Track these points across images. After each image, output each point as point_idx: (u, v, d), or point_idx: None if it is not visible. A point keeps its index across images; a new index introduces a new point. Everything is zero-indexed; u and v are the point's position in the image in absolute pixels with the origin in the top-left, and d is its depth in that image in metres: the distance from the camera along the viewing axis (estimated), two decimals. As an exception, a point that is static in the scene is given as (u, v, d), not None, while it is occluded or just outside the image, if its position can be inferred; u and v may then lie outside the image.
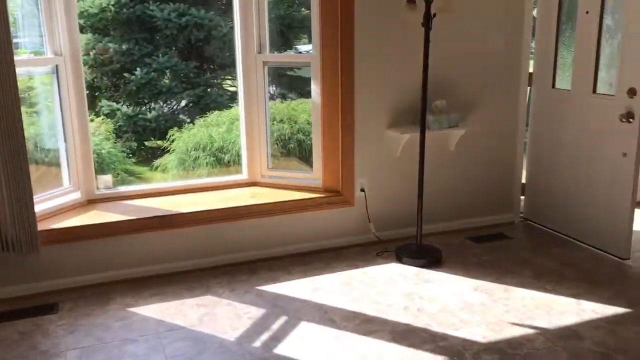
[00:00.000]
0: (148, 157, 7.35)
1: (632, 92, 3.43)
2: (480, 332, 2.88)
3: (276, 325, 2.99)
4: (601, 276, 3.48)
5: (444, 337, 2.84)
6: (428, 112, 3.66)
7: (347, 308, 3.14)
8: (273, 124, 5.39)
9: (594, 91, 3.74)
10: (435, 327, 2.93)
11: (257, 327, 2.97)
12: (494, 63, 4.04)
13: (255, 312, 3.11)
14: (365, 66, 3.74)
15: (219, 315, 3.09)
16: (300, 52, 7.18)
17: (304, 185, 3.97)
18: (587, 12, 3.70)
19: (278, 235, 3.76)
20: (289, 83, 7.30)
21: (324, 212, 3.83)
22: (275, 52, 4.21)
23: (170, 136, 6.92)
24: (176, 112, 7.83)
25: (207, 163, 5.94)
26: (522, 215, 4.41)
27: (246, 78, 3.91)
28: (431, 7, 3.41)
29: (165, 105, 7.76)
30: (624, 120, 3.48)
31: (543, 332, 2.87)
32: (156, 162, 6.89)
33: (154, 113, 7.36)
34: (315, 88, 3.83)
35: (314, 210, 3.80)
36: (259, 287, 3.40)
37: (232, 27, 4.08)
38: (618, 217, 3.64)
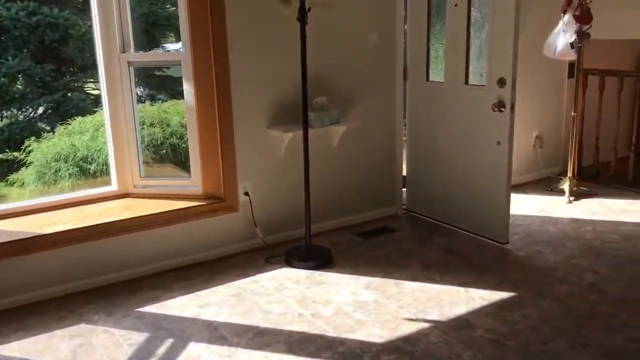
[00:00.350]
0: (3, 171, 6.60)
1: (501, 82, 3.56)
2: (377, 332, 2.82)
3: (162, 350, 2.73)
4: (484, 262, 3.58)
5: (342, 341, 2.75)
6: (309, 109, 3.55)
7: (238, 322, 2.95)
8: (143, 128, 5.02)
9: (466, 82, 3.85)
10: (332, 332, 2.82)
11: (140, 354, 2.69)
12: (369, 58, 4.02)
13: (137, 338, 2.83)
14: (241, 64, 3.55)
15: (96, 345, 2.77)
16: (168, 51, 6.81)
17: (183, 193, 3.71)
18: (455, 5, 3.79)
19: (157, 250, 3.48)
20: (159, 83, 6.90)
21: (206, 220, 3.60)
22: (141, 52, 3.88)
23: (26, 147, 6.24)
24: (33, 120, 7.10)
25: (70, 175, 5.42)
26: (404, 207, 4.46)
27: (110, 80, 3.56)
28: (306, 1, 3.29)
29: (20, 112, 7.01)
30: (496, 109, 3.60)
31: (437, 324, 2.87)
32: (11, 177, 6.19)
33: (6, 121, 6.62)
34: (187, 88, 3.57)
35: (195, 220, 3.56)
36: (139, 309, 3.10)
37: (90, 26, 3.71)
38: (495, 203, 3.77)
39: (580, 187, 4.80)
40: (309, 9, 3.31)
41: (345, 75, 3.94)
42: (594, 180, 5.05)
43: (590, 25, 4.42)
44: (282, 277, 3.43)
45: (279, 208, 3.84)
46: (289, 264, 3.57)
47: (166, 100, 6.51)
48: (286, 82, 3.68)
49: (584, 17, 4.39)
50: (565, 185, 4.72)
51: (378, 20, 4.00)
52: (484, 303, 3.07)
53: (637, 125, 5.09)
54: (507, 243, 3.80)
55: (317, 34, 3.60)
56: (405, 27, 4.18)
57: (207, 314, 3.03)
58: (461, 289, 3.23)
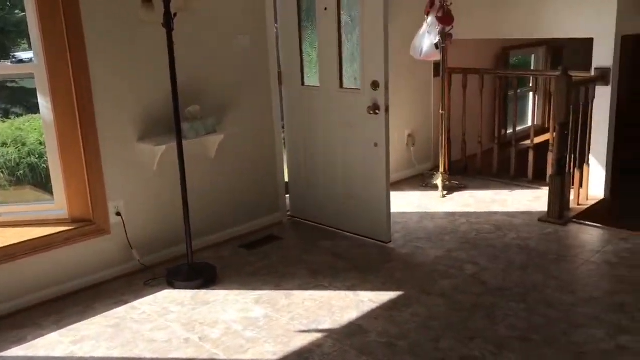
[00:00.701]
0: None
1: (375, 85, 3.60)
2: (270, 348, 2.72)
3: (31, 399, 2.44)
4: (370, 263, 3.60)
5: (234, 364, 2.62)
6: (182, 119, 3.36)
7: (119, 355, 2.71)
8: (-5, 148, 4.52)
9: (341, 86, 3.85)
10: (222, 355, 2.68)
11: (5, 408, 2.38)
12: (242, 64, 3.90)
13: (1, 388, 2.51)
14: (105, 74, 3.28)
15: (-51, 403, 2.41)
16: (22, 61, 6.21)
17: (47, 219, 3.37)
18: (325, 9, 3.78)
19: (20, 284, 3.12)
20: (11, 97, 6.27)
21: (75, 246, 3.29)
22: (-13, 63, 3.47)
23: None
24: None
25: None
26: (289, 213, 4.40)
27: (-51, 97, 3.14)
28: (171, 6, 3.11)
29: None
30: (371, 112, 3.63)
31: (330, 333, 2.83)
32: None
33: None
34: (43, 102, 3.25)
35: (62, 247, 3.24)
36: (2, 354, 2.75)
37: None
38: (376, 204, 3.82)
39: (452, 181, 5.03)
40: (175, 15, 3.12)
41: (218, 82, 3.79)
42: (463, 173, 5.31)
43: (452, 26, 4.63)
44: (165, 300, 3.22)
45: (156, 226, 3.61)
46: (172, 285, 3.36)
47: (22, 115, 5.92)
48: (156, 91, 3.47)
49: (446, 19, 4.58)
50: (438, 181, 4.92)
51: (248, 24, 3.89)
52: (374, 306, 3.08)
53: (499, 119, 5.44)
54: (390, 242, 3.86)
55: (185, 40, 3.43)
56: (277, 31, 4.11)
57: (83, 350, 2.76)
58: (350, 293, 3.22)
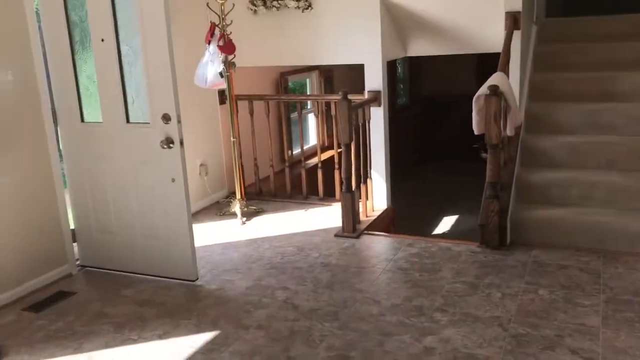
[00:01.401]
0: None
1: (166, 118, 3.44)
2: None
3: None
4: (180, 306, 3.42)
5: None
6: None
7: None
8: None
9: (128, 120, 3.62)
10: None
11: None
12: (5, 104, 3.43)
13: None
14: None
15: None
16: None
17: None
18: (102, 40, 3.51)
19: None
20: None
21: None
22: None
23: None
24: None
25: None
26: (79, 263, 3.98)
27: None
28: None
29: None
30: (165, 146, 3.47)
31: (148, 391, 2.61)
32: None
33: None
34: None
35: None
36: None
37: None
38: (178, 241, 3.65)
39: (250, 207, 5.05)
40: None
41: (-20, 125, 3.28)
42: (259, 197, 5.38)
43: (235, 55, 4.66)
44: None
45: None
46: (-58, 371, 2.80)
47: None
48: None
49: (227, 47, 4.60)
50: (236, 208, 4.90)
51: (9, 58, 3.44)
52: (191, 351, 2.92)
53: (287, 141, 5.63)
54: (197, 279, 3.72)
55: None
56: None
57: None
58: (163, 342, 3.01)
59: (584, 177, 4.27)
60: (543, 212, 4.18)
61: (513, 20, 4.43)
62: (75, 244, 3.97)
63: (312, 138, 6.99)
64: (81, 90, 3.71)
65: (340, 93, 4.24)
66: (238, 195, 4.98)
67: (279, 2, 4.92)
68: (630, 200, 4.09)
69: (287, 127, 5.84)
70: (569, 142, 4.49)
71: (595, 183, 4.20)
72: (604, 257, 3.77)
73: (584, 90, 4.78)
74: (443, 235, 7.15)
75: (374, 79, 4.81)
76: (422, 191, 8.73)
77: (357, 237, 4.37)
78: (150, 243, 3.73)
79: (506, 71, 4.27)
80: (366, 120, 4.75)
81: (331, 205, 5.09)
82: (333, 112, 5.02)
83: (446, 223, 7.72)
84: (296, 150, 6.45)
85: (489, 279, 3.54)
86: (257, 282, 3.68)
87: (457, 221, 7.75)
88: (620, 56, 4.92)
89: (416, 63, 9.80)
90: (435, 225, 7.65)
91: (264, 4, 4.98)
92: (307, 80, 7.19)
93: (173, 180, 3.53)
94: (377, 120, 4.87)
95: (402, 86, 10.18)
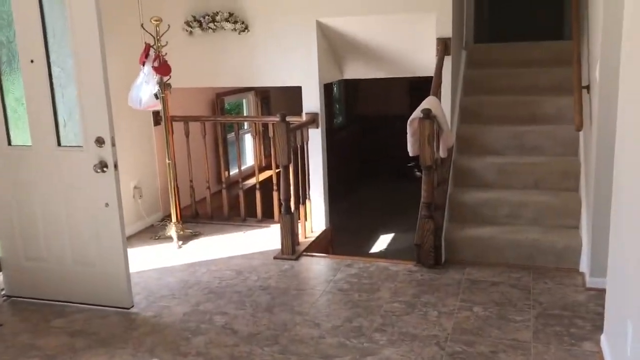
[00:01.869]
0: None
1: (100, 141, 3.35)
2: None
3: None
4: (115, 335, 3.30)
5: None
6: None
7: None
8: None
9: (59, 144, 3.49)
10: None
11: None
12: None
13: None
14: None
15: None
16: None
17: None
18: (32, 62, 3.39)
19: None
20: None
21: None
22: None
23: None
24: None
25: None
26: (4, 293, 3.79)
27: None
28: None
29: None
30: (99, 170, 3.37)
31: None
32: None
33: None
34: None
35: None
36: None
37: None
38: (112, 268, 3.54)
39: (186, 230, 4.96)
40: None
41: None
42: (195, 220, 5.30)
43: (170, 76, 4.61)
44: None
45: None
46: None
47: None
48: None
49: (162, 69, 4.54)
50: (172, 231, 4.80)
51: None
52: (127, 382, 2.83)
53: (223, 162, 5.59)
54: (132, 306, 3.61)
55: None
56: (-30, 84, 3.55)
57: None
58: (98, 375, 2.90)
59: (512, 197, 4.46)
60: (475, 231, 4.33)
61: (444, 46, 4.61)
62: (0, 273, 3.78)
63: (250, 158, 6.97)
64: (8, 113, 3.56)
65: (278, 115, 4.26)
66: (174, 218, 4.88)
67: (215, 23, 4.91)
68: (556, 217, 4.30)
69: (223, 148, 5.80)
70: (498, 163, 4.68)
71: (523, 202, 4.39)
72: (533, 273, 3.94)
73: (510, 113, 5.02)
74: (381, 254, 7.25)
75: (312, 101, 4.87)
76: (360, 209, 8.85)
77: (297, 258, 4.37)
78: (82, 270, 3.60)
79: (438, 95, 4.43)
80: (304, 141, 4.79)
81: (269, 227, 5.08)
82: (271, 133, 5.03)
83: (384, 241, 7.84)
84: (234, 171, 6.41)
85: (426, 298, 3.62)
86: (195, 307, 3.61)
87: (393, 239, 7.88)
88: (543, 81, 5.19)
89: (352, 84, 9.99)
90: (373, 243, 7.75)
91: (200, 25, 4.96)
92: (244, 100, 7.18)
93: (107, 204, 3.43)
94: (315, 141, 4.92)
95: (338, 106, 10.34)
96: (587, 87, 3.96)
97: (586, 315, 3.31)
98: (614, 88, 2.81)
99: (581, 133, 4.32)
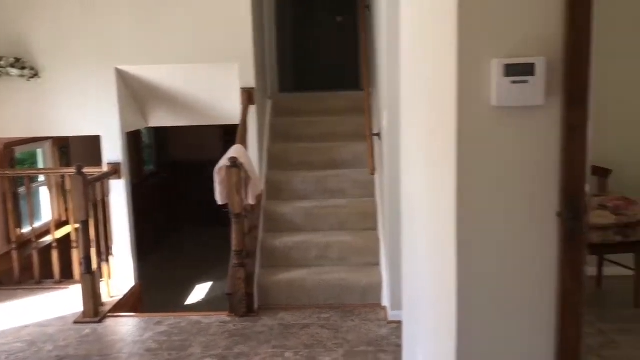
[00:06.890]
0: None
1: None
2: None
3: None
4: None
5: None
6: None
7: None
8: None
9: None
10: None
11: None
12: None
13: None
14: None
15: None
16: None
17: None
18: None
19: None
20: None
21: None
22: None
23: None
24: None
25: None
26: None
27: None
28: None
29: None
30: None
31: None
32: None
33: None
34: None
35: None
36: None
37: None
38: None
39: (-33, 299, 4.34)
40: None
41: None
42: (-20, 286, 4.67)
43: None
44: None
45: None
46: None
47: None
48: None
49: None
50: (-51, 302, 4.17)
51: None
52: None
53: (14, 219, 5.02)
54: None
55: None
56: None
57: None
58: None
59: (320, 239, 4.63)
60: (287, 275, 4.40)
61: (248, 96, 4.70)
62: None
63: (47, 213, 6.36)
64: None
65: (74, 167, 3.97)
66: (-49, 288, 4.25)
67: (0, 69, 4.48)
68: (359, 256, 4.55)
69: (13, 203, 5.23)
70: (305, 207, 4.84)
71: (330, 243, 4.58)
72: (342, 311, 4.09)
73: (314, 159, 5.25)
74: (197, 305, 7.03)
75: (113, 151, 4.63)
76: (174, 260, 8.53)
77: (100, 321, 4.04)
78: None
79: (245, 142, 4.48)
80: (106, 194, 4.51)
81: (69, 288, 4.65)
82: (68, 185, 4.66)
83: (201, 290, 7.62)
84: (27, 229, 5.80)
85: (239, 349, 3.56)
86: (-25, 391, 3.14)
87: (211, 288, 7.71)
88: (342, 128, 5.53)
89: (163, 129, 9.73)
90: (189, 294, 7.50)
91: (-19, 70, 4.48)
92: (39, 150, 6.59)
93: None
94: (119, 193, 4.66)
95: (149, 153, 9.98)
96: (379, 134, 4.30)
97: (388, 348, 3.51)
98: (398, 134, 3.09)
99: (376, 176, 4.66)
